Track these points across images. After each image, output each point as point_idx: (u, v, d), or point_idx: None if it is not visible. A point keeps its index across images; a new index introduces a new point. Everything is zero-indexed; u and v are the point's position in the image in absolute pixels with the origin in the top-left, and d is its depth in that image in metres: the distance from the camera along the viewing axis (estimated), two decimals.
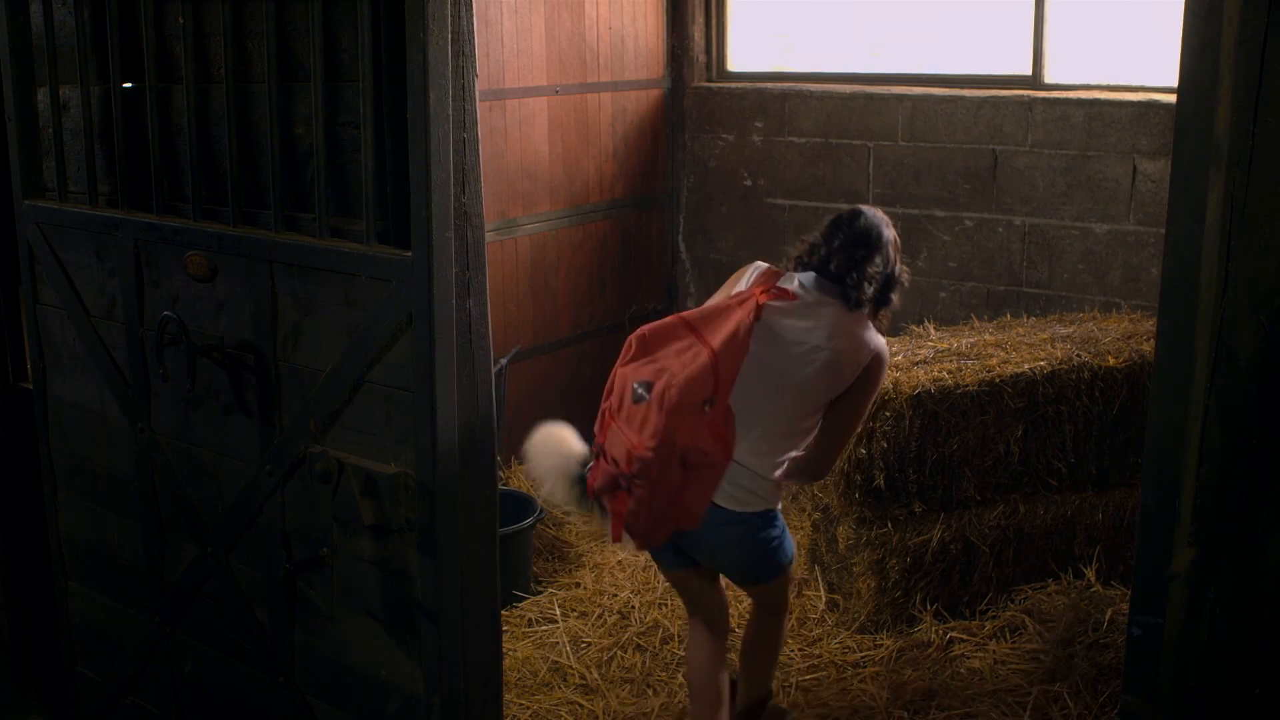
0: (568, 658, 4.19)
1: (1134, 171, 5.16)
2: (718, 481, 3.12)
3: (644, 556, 4.88)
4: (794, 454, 3.23)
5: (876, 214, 3.35)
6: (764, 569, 3.32)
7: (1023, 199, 5.46)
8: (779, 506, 3.29)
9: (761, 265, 3.37)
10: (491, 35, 5.33)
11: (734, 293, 3.30)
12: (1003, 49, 5.62)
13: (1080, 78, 5.44)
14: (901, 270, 3.34)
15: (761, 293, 3.18)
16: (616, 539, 3.21)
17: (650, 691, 4.01)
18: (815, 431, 3.25)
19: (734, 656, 3.76)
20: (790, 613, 3.75)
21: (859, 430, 3.26)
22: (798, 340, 3.16)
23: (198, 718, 3.23)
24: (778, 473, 3.21)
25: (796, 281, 3.24)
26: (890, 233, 3.33)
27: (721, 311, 3.20)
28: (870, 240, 3.25)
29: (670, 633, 4.34)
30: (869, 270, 3.20)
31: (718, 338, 3.11)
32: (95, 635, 3.50)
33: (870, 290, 3.22)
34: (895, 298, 3.33)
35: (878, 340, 3.25)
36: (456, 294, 2.46)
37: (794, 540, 3.42)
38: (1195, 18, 1.66)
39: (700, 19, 6.37)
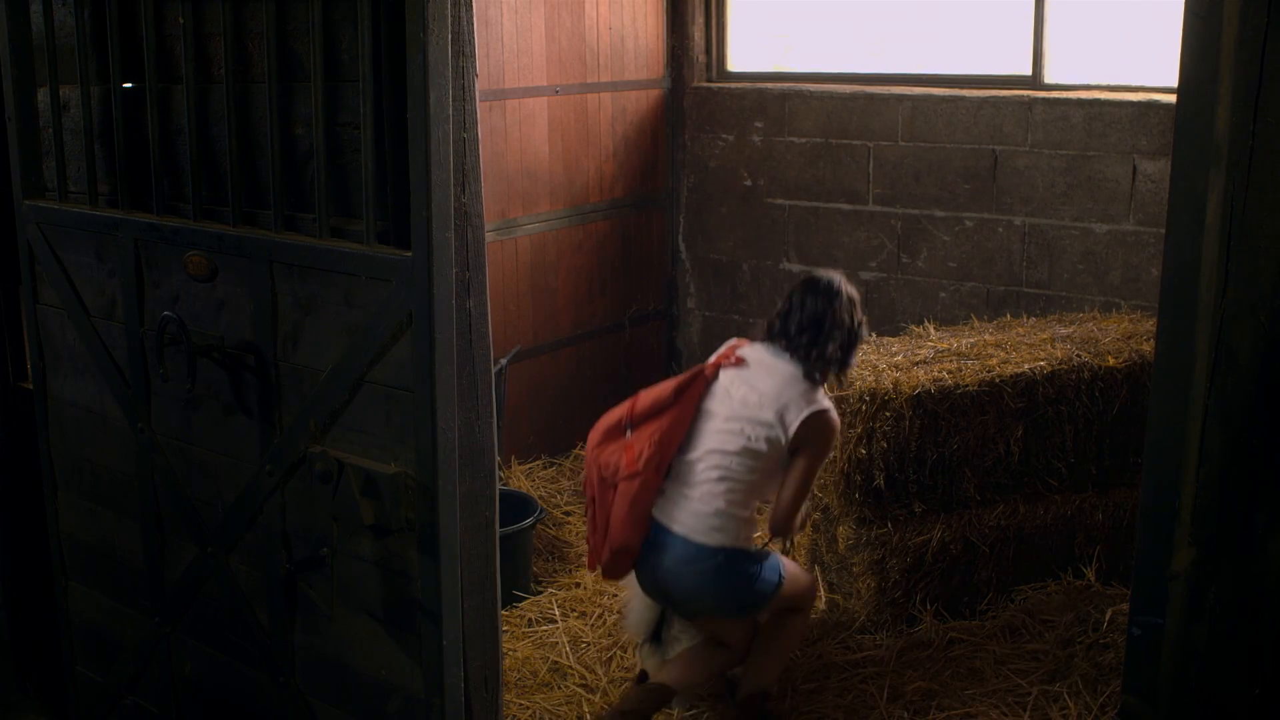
0: (567, 658, 4.19)
1: (1134, 171, 5.17)
2: (632, 494, 3.47)
3: None
4: (740, 486, 3.49)
5: (831, 284, 3.59)
6: (742, 602, 3.54)
7: (1023, 199, 5.46)
8: (751, 546, 3.53)
9: (734, 340, 3.75)
10: (491, 35, 5.33)
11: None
12: (1003, 49, 5.62)
13: (1080, 78, 5.44)
14: (861, 325, 3.62)
15: (717, 359, 3.64)
16: (590, 566, 3.71)
17: None
18: (760, 469, 3.49)
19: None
20: (806, 612, 3.78)
21: (802, 498, 3.54)
22: (745, 399, 3.52)
23: (198, 718, 3.23)
24: (743, 512, 3.49)
25: (756, 348, 3.62)
26: (844, 299, 3.58)
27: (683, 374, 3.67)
28: (824, 322, 3.54)
29: None
30: (828, 352, 3.53)
31: (650, 388, 3.65)
32: (95, 635, 3.50)
33: (829, 368, 3.56)
34: (854, 362, 3.66)
35: (823, 403, 3.51)
36: (456, 294, 2.46)
37: (781, 560, 3.61)
38: (1195, 18, 1.66)
39: (700, 19, 6.38)
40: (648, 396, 3.59)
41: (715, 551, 3.44)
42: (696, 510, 3.46)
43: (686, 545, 3.44)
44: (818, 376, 3.53)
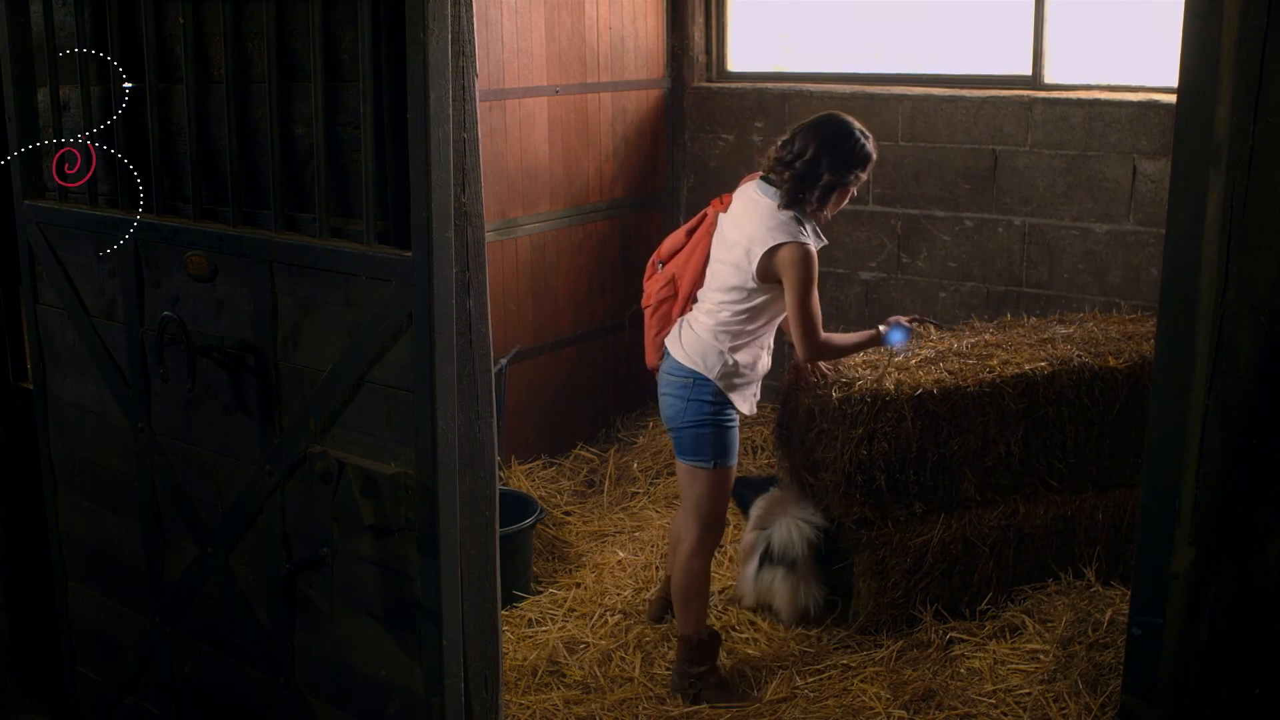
0: (567, 658, 4.19)
1: (1134, 171, 5.17)
2: (651, 324, 4.04)
3: (644, 557, 4.89)
4: (724, 317, 3.80)
5: (829, 126, 3.75)
6: (672, 427, 3.90)
7: (1023, 199, 5.46)
8: (706, 378, 3.79)
9: (746, 176, 4.02)
10: (491, 35, 5.33)
11: None
12: (1003, 49, 5.62)
13: (1080, 78, 5.44)
14: (846, 176, 3.71)
15: (716, 203, 4.00)
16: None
17: (649, 693, 4.01)
18: (742, 303, 3.78)
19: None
20: (704, 554, 3.99)
21: (805, 325, 3.74)
22: (728, 233, 3.84)
23: (198, 718, 3.23)
24: (727, 344, 3.80)
25: (749, 186, 3.88)
26: (837, 143, 3.69)
27: None
28: (799, 144, 3.73)
29: (671, 631, 4.34)
30: (786, 175, 3.72)
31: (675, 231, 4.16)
32: (95, 635, 3.50)
33: (784, 184, 3.72)
34: (825, 195, 3.72)
35: (786, 237, 3.67)
36: (456, 294, 2.46)
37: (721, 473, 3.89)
38: (1195, 18, 1.66)
39: (700, 19, 6.37)
40: (670, 240, 4.10)
41: (690, 373, 3.82)
42: (691, 338, 3.85)
43: (676, 364, 3.86)
44: (795, 212, 3.73)
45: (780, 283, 3.70)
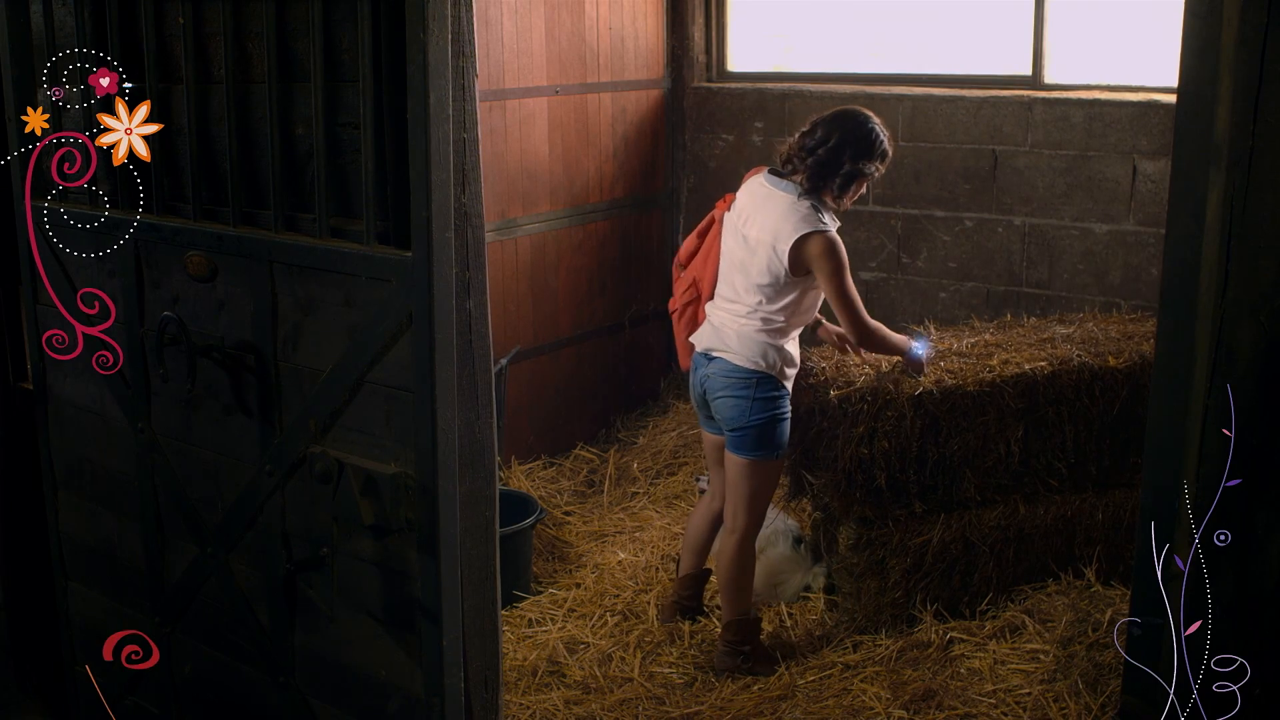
0: (567, 658, 4.19)
1: (1134, 171, 5.17)
2: (681, 327, 4.17)
3: (644, 557, 4.89)
4: (763, 314, 3.86)
5: (850, 118, 3.81)
6: (736, 427, 3.91)
7: (1023, 199, 5.46)
8: (769, 374, 3.87)
9: (754, 169, 4.07)
10: (491, 35, 5.33)
11: None
12: (1003, 49, 5.62)
13: (1080, 78, 5.44)
14: (864, 165, 3.78)
15: (722, 204, 4.05)
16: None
17: (649, 693, 4.01)
18: (778, 298, 3.84)
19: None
20: (748, 538, 4.10)
21: (850, 310, 3.84)
22: (747, 232, 3.86)
23: (198, 718, 3.23)
24: (779, 340, 3.88)
25: (757, 181, 3.92)
26: (858, 134, 3.76)
27: None
28: (822, 133, 3.78)
29: (674, 632, 4.35)
30: (808, 161, 3.77)
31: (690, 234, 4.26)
32: (95, 635, 3.50)
33: (805, 170, 3.78)
34: (846, 184, 3.79)
35: (811, 227, 3.73)
36: (456, 294, 2.46)
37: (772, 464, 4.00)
38: (1195, 18, 1.66)
39: (700, 19, 6.37)
40: (686, 244, 4.19)
41: (752, 373, 3.87)
42: (741, 340, 3.87)
43: (734, 367, 3.88)
44: (813, 200, 3.78)
45: (811, 273, 3.79)
